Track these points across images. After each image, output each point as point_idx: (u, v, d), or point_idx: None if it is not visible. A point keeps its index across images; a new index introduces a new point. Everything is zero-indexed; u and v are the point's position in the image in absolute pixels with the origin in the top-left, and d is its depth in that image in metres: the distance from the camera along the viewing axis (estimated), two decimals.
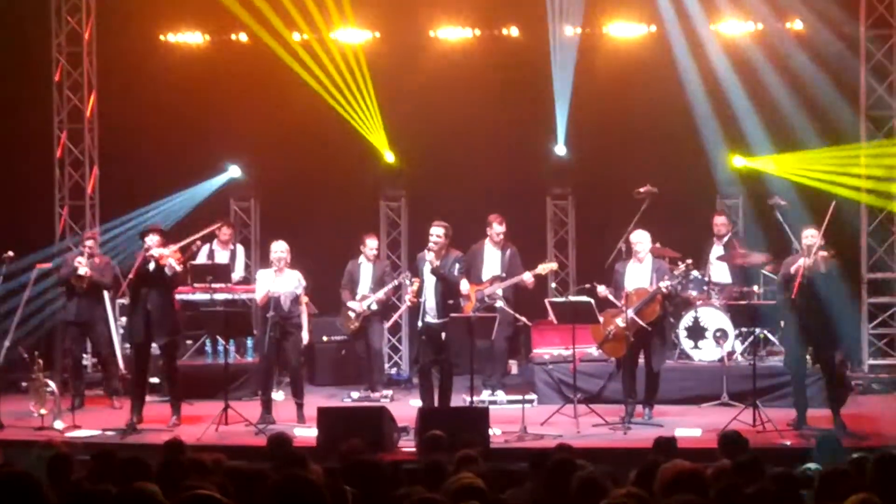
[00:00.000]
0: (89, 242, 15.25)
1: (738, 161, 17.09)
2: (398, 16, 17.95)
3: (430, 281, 13.64)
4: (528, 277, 15.17)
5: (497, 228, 15.44)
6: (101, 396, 15.90)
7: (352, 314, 15.73)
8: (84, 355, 16.29)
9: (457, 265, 13.70)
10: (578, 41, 17.35)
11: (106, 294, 15.67)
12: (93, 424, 13.73)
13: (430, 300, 13.63)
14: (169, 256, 13.61)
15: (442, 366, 13.77)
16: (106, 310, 15.82)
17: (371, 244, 16.07)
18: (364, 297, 15.73)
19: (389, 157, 18.01)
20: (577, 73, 17.17)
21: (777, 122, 16.61)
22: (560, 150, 17.65)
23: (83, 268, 14.92)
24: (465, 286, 14.32)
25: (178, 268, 13.77)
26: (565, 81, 17.20)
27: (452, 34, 18.07)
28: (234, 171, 18.28)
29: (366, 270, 15.91)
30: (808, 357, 13.59)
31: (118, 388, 15.52)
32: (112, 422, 13.84)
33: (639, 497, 5.63)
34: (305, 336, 14.36)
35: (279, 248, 14.02)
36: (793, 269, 12.97)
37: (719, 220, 16.17)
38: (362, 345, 15.98)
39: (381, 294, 15.73)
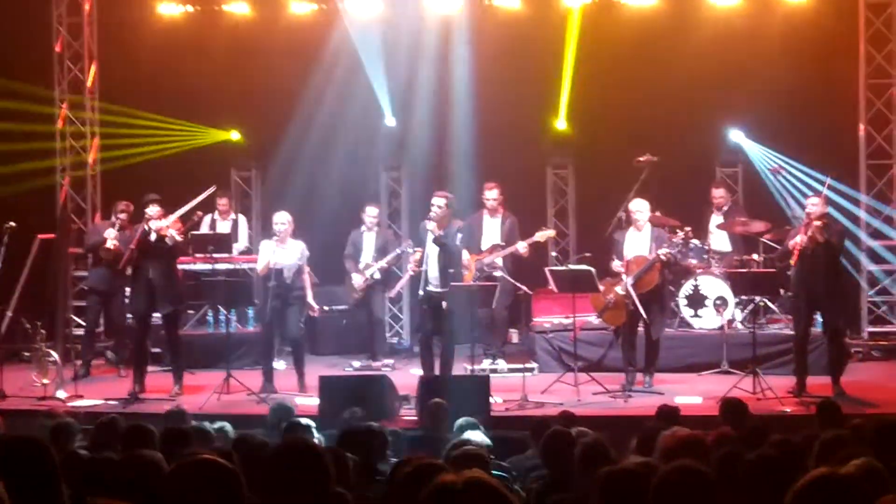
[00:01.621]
0: (122, 215, 15.17)
1: (736, 135, 17.06)
2: None
3: (431, 250, 13.66)
4: (521, 247, 15.13)
5: (488, 194, 15.41)
6: (103, 366, 15.96)
7: (355, 283, 15.73)
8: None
9: (458, 235, 13.72)
10: (578, 13, 17.32)
11: None
12: (95, 394, 13.76)
13: (431, 269, 13.66)
14: (169, 227, 13.64)
15: (443, 335, 13.80)
16: (125, 281, 15.76)
17: (371, 212, 16.06)
18: (366, 267, 15.73)
19: (391, 121, 17.99)
20: (577, 43, 17.15)
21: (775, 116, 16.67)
22: (561, 124, 17.61)
23: (111, 241, 14.88)
24: (464, 256, 14.33)
25: (179, 238, 13.81)
26: (566, 52, 17.19)
27: (446, 5, 17.97)
28: (234, 135, 18.28)
29: (368, 239, 15.89)
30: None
31: (126, 358, 15.53)
32: (114, 391, 13.89)
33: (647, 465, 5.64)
34: (313, 304, 14.35)
35: (281, 219, 14.03)
36: (790, 245, 13.04)
37: (717, 193, 16.12)
38: (364, 314, 15.99)
39: (383, 263, 15.71)
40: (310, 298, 14.27)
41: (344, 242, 16.04)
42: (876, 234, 16.82)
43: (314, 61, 17.28)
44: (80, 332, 16.37)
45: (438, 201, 13.70)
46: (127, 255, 13.82)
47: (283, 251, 13.93)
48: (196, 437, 7.64)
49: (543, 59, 17.36)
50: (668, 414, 9.48)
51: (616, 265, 13.81)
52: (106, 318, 16.23)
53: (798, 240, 12.93)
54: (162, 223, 13.64)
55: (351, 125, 17.70)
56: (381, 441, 7.54)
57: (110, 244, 14.88)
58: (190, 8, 18.27)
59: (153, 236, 13.64)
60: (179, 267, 14.82)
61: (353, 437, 7.46)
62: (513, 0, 17.82)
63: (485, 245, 15.30)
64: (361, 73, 17.57)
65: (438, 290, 13.57)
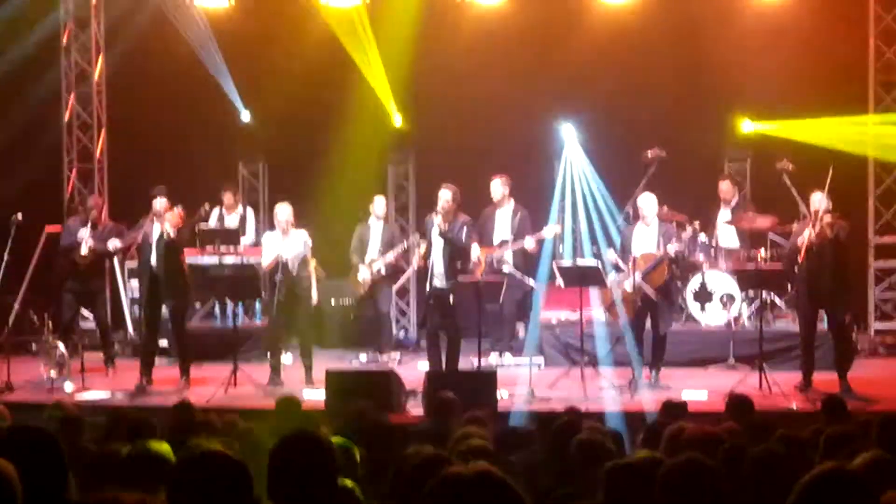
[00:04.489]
0: (94, 212, 14.91)
1: (747, 126, 17.04)
2: None
3: (437, 244, 13.66)
4: (528, 244, 15.17)
5: (491, 186, 15.43)
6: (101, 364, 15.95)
7: (361, 277, 15.75)
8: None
9: (465, 229, 13.71)
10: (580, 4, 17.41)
11: (115, 259, 15.68)
12: (102, 387, 13.80)
13: (437, 264, 13.65)
14: (166, 221, 13.65)
15: (449, 329, 13.80)
16: (104, 280, 15.66)
17: (379, 201, 16.09)
18: (373, 261, 15.73)
19: (398, 120, 18.03)
20: (581, 35, 17.14)
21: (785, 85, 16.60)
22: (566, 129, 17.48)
23: (85, 246, 14.59)
24: (476, 251, 14.31)
25: (172, 233, 13.72)
26: (568, 45, 17.18)
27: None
28: (245, 116, 18.26)
29: (375, 232, 15.88)
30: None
31: (114, 357, 15.45)
32: (122, 384, 13.91)
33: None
34: (315, 296, 14.35)
35: (284, 212, 14.05)
36: (798, 242, 13.04)
37: (724, 186, 16.11)
38: (370, 308, 16.01)
39: (390, 257, 15.72)
40: (313, 291, 14.28)
41: (350, 236, 16.05)
42: (883, 230, 16.82)
43: (325, 57, 17.26)
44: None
45: (445, 195, 13.69)
46: (133, 247, 13.83)
47: (287, 243, 13.94)
48: (203, 430, 7.65)
49: (547, 54, 17.35)
50: (674, 409, 9.47)
51: (610, 255, 13.84)
52: (95, 317, 15.89)
53: (806, 234, 12.93)
54: (168, 215, 13.67)
55: (358, 119, 17.71)
56: (388, 434, 7.54)
57: (85, 250, 14.61)
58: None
59: (159, 229, 13.67)
60: (187, 260, 14.81)
61: (361, 430, 7.46)
62: None
63: (496, 239, 15.32)
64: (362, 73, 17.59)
65: (444, 284, 13.57)
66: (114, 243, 14.37)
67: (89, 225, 14.71)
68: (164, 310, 14.29)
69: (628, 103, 17.23)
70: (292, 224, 14.06)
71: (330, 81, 17.37)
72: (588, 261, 14.51)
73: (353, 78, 17.51)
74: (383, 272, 15.78)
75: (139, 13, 17.91)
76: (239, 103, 18.10)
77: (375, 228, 15.93)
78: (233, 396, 13.04)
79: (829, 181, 13.04)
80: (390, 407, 11.69)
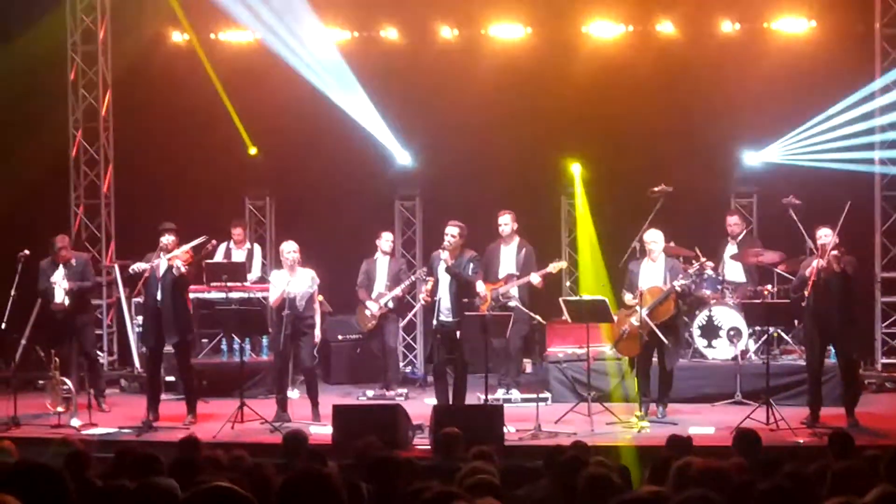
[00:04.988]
0: (63, 252, 14.83)
1: (751, 157, 17.09)
2: (408, 16, 18.06)
3: (444, 280, 13.68)
4: (535, 279, 15.17)
5: (500, 220, 15.44)
6: (116, 395, 15.96)
7: (368, 312, 15.76)
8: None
9: (471, 265, 13.73)
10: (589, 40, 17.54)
11: (122, 297, 15.66)
12: (109, 422, 13.80)
13: (444, 299, 13.66)
14: (177, 258, 13.67)
15: (456, 364, 13.79)
16: (88, 313, 15.54)
17: (386, 237, 16.13)
18: (380, 295, 15.75)
19: (404, 158, 18.07)
20: (587, 73, 17.21)
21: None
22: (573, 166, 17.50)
23: (60, 291, 14.60)
24: (480, 287, 14.33)
25: (183, 269, 13.73)
26: (574, 83, 17.25)
27: (462, 35, 18.09)
28: (252, 151, 18.29)
29: (382, 267, 15.92)
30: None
31: (104, 390, 15.41)
32: (128, 420, 13.91)
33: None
34: (318, 334, 14.35)
35: (290, 249, 14.08)
36: (807, 272, 13.05)
37: (732, 220, 16.17)
38: (377, 343, 16.01)
39: (397, 291, 15.74)
40: (317, 330, 14.27)
41: (356, 271, 16.07)
42: (890, 265, 16.80)
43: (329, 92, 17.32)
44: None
45: (452, 230, 13.71)
46: (140, 283, 13.87)
47: (295, 280, 13.96)
48: (210, 466, 7.65)
49: (553, 90, 17.41)
50: (679, 444, 9.46)
51: (628, 298, 13.81)
52: (82, 352, 15.53)
53: (815, 264, 12.93)
54: (174, 253, 13.69)
55: (364, 155, 17.76)
56: (396, 470, 7.54)
57: (60, 297, 14.59)
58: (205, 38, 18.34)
59: (164, 266, 13.69)
60: (192, 296, 14.83)
61: (368, 465, 7.46)
62: (515, 32, 17.91)
63: (501, 274, 15.33)
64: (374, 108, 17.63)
65: (451, 319, 13.57)
66: (140, 265, 14.15)
67: (61, 267, 14.75)
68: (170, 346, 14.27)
69: (635, 139, 17.31)
70: (299, 262, 14.09)
71: (336, 116, 17.38)
72: (595, 296, 14.49)
73: (359, 113, 17.55)
74: (391, 307, 15.79)
75: (146, 49, 18.05)
76: (246, 138, 18.14)
77: (382, 263, 15.96)
78: (239, 432, 13.02)
79: (843, 218, 13.02)
80: (397, 442, 11.68)
